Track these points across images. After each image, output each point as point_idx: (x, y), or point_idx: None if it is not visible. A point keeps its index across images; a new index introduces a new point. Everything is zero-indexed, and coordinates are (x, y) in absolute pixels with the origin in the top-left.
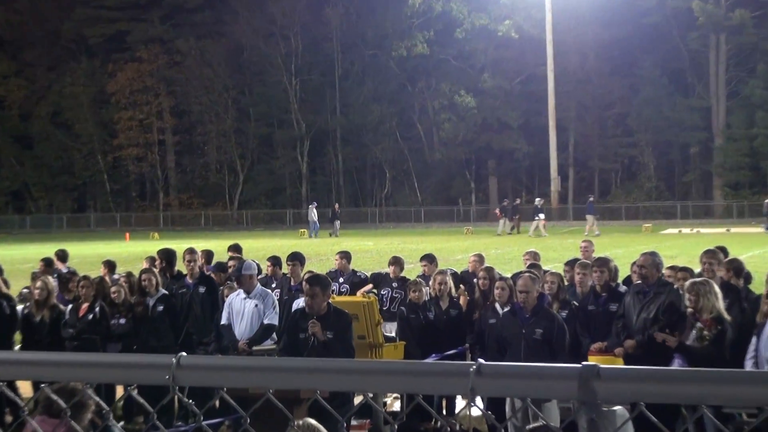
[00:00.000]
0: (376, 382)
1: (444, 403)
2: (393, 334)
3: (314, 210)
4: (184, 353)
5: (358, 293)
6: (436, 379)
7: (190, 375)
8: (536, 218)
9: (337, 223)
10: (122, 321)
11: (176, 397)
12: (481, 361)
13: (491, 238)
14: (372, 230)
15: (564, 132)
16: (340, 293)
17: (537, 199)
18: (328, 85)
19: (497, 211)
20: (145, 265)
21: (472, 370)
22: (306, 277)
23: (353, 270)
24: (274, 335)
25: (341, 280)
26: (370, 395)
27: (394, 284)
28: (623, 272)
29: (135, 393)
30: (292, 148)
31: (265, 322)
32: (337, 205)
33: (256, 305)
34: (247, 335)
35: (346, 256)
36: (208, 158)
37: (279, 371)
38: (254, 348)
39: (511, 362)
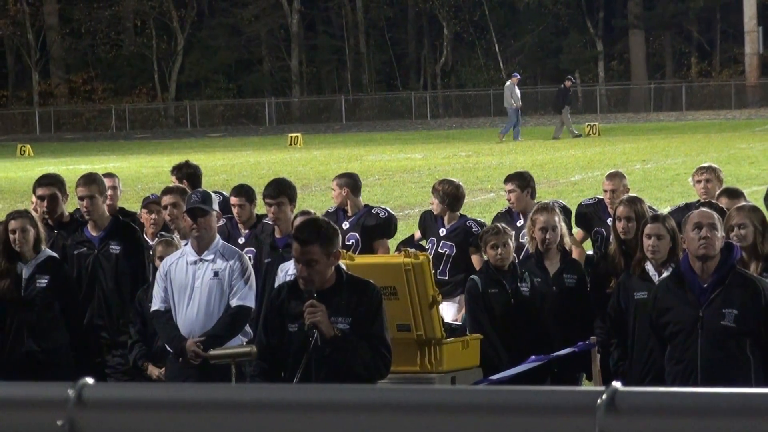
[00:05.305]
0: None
1: None
2: (457, 321)
3: (517, 89)
4: (88, 380)
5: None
6: (536, 420)
7: (99, 418)
8: None
9: (567, 111)
10: None
11: None
12: (617, 385)
13: (640, 140)
14: (419, 130)
15: None
16: (345, 247)
17: None
18: None
19: None
20: (20, 205)
21: (600, 402)
22: (295, 224)
23: (366, 206)
24: (248, 328)
25: (346, 224)
26: None
27: (442, 231)
28: None
29: None
30: None
31: (234, 303)
32: (569, 80)
33: (217, 273)
34: (201, 328)
35: (350, 181)
36: (121, 8)
37: (256, 409)
38: (213, 353)
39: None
